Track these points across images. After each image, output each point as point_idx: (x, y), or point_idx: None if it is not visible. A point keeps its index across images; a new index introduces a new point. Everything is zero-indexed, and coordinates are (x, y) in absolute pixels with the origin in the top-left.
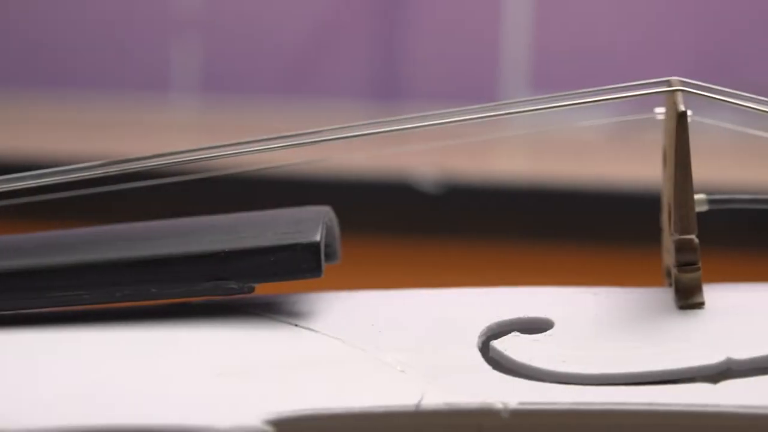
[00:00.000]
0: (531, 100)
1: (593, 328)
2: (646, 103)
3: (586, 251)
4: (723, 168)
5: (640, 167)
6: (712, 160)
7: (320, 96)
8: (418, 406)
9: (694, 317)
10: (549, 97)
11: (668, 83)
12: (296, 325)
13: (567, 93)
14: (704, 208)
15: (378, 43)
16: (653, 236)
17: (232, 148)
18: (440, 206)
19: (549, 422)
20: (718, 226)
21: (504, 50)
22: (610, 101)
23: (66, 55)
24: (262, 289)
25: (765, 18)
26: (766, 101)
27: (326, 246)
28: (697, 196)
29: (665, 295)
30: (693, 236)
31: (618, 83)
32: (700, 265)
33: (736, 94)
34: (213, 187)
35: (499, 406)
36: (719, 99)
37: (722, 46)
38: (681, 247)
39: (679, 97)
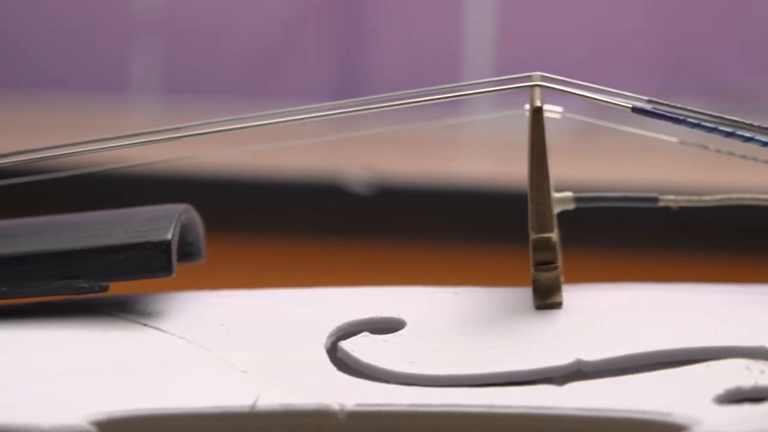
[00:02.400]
0: (387, 96)
1: (447, 329)
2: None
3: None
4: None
5: (590, 169)
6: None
7: (282, 98)
8: (253, 406)
9: (550, 317)
10: (409, 93)
11: (530, 78)
12: (145, 325)
13: (428, 89)
14: (571, 206)
15: (339, 46)
16: (600, 238)
17: (93, 144)
18: (370, 207)
19: (387, 424)
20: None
21: (466, 53)
22: (472, 96)
23: (24, 55)
24: (138, 289)
25: (741, 21)
26: (636, 97)
27: (188, 245)
28: (563, 194)
29: (525, 294)
30: (550, 235)
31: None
32: (558, 264)
33: (598, 89)
34: (101, 187)
35: (336, 407)
36: (578, 94)
37: (695, 49)
38: (537, 245)
39: (537, 92)
